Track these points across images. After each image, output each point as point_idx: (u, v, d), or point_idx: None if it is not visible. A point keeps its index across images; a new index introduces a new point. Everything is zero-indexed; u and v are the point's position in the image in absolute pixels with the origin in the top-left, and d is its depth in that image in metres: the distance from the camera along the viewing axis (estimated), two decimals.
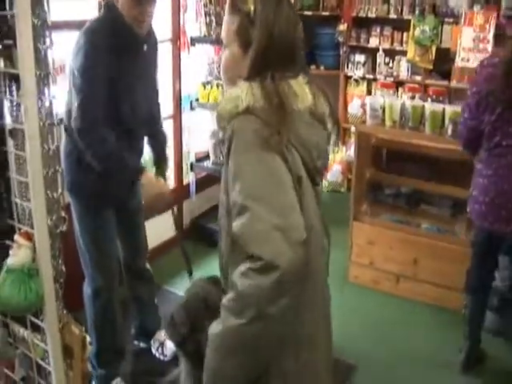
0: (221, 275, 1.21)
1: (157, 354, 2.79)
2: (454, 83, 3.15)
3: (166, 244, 3.68)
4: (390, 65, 3.87)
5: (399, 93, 3.28)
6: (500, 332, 2.96)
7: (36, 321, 1.51)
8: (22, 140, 1.31)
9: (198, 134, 4.01)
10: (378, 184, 3.55)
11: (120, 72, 1.92)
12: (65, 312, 1.50)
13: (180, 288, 3.43)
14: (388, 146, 3.46)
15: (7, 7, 1.17)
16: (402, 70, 3.74)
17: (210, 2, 3.47)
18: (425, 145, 3.03)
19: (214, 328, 1.03)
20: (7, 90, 1.31)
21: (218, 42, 3.72)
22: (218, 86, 3.69)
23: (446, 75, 3.42)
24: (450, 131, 2.73)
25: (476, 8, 3.28)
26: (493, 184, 2.27)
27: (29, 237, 1.38)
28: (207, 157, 4.07)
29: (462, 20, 3.18)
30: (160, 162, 2.39)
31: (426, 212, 3.42)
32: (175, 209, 2.62)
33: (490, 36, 3.01)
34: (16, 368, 1.63)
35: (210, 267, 3.73)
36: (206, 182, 4.04)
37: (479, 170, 2.34)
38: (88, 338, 1.59)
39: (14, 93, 1.30)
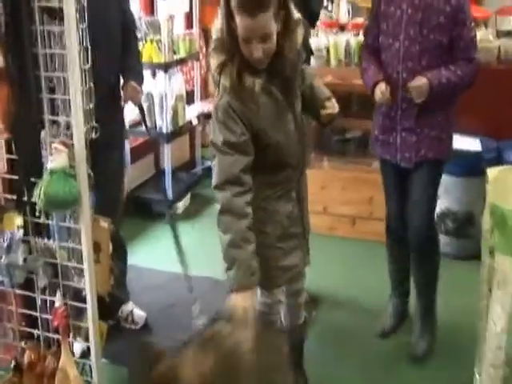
0: None
1: (127, 325, 3.59)
2: None
3: None
4: (330, 8, 4.91)
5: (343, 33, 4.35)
6: (457, 255, 4.09)
7: (64, 224, 2.35)
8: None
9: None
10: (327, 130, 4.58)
11: None
12: None
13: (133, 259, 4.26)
14: (334, 89, 4.50)
15: None
16: (342, 13, 4.80)
17: None
18: None
19: None
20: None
21: None
22: (151, 42, 4.58)
23: None
24: None
25: None
26: None
27: (66, 145, 2.22)
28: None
29: None
30: None
31: None
32: None
33: None
34: (40, 278, 2.45)
35: (151, 243, 4.64)
36: (142, 150, 4.90)
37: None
38: None
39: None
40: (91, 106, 2.28)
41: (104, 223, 2.36)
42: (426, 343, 3.29)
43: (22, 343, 2.58)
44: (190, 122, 5.19)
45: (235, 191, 2.25)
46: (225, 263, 2.26)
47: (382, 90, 2.99)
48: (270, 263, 2.51)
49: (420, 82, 2.91)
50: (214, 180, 2.30)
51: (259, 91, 2.27)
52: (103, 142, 2.43)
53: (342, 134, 4.74)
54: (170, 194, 4.94)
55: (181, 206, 5.13)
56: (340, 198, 4.55)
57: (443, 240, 4.04)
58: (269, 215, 2.48)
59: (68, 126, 2.24)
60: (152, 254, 4.46)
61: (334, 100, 2.49)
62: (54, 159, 2.22)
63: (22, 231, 2.38)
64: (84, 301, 2.40)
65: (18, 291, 2.52)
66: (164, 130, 4.81)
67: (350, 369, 3.23)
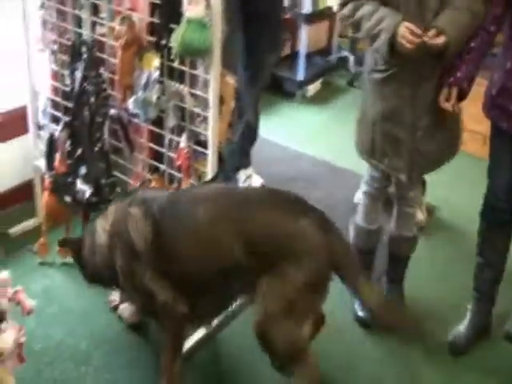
0: None
1: None
2: None
3: None
4: None
5: None
6: None
7: (195, 72, 2.58)
8: None
9: None
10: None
11: None
12: None
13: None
14: None
15: None
16: None
17: None
18: None
19: None
20: None
21: None
22: None
23: None
24: None
25: None
26: None
27: None
28: None
29: None
30: None
31: None
32: None
33: None
34: (169, 118, 2.73)
35: (277, 119, 4.88)
36: None
37: None
38: None
39: None
40: None
41: (230, 79, 2.58)
42: None
43: (149, 174, 2.93)
44: (331, 8, 5.21)
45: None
46: (372, 36, 2.44)
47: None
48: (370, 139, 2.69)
49: None
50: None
51: None
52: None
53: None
54: (301, 75, 5.08)
55: (311, 89, 5.27)
56: (476, 114, 4.45)
57: None
58: (377, 90, 2.63)
59: None
60: (277, 130, 4.70)
61: (442, 38, 2.37)
62: (193, 9, 2.43)
63: (158, 72, 2.65)
64: (206, 147, 2.66)
65: (150, 127, 2.84)
66: (303, 11, 4.89)
67: (453, 287, 3.29)
